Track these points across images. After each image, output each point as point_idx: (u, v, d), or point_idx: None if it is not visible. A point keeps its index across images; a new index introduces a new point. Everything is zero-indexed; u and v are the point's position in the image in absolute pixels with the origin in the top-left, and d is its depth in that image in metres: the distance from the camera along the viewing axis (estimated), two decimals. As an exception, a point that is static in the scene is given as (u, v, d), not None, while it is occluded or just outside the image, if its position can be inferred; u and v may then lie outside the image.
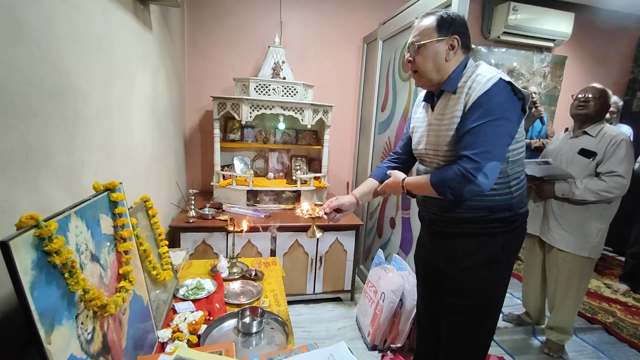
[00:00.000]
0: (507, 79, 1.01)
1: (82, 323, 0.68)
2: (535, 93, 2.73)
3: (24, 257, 0.56)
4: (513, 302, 2.53)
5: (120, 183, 0.94)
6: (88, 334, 0.70)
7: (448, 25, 1.07)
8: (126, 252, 0.90)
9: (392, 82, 2.29)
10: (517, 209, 1.13)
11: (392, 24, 2.24)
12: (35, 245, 0.59)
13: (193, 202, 2.10)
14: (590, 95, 1.80)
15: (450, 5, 1.59)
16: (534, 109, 2.50)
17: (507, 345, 2.04)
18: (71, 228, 0.70)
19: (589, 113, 1.80)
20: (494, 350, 1.99)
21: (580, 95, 1.85)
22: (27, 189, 0.78)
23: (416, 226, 1.94)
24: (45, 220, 0.61)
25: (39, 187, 0.82)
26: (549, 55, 3.32)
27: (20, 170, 0.76)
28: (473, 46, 3.10)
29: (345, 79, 2.95)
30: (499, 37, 3.04)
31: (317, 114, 2.40)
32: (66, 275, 0.64)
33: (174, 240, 2.02)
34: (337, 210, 1.32)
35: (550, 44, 3.22)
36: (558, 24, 3.06)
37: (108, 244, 0.85)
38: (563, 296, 1.89)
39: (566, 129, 1.98)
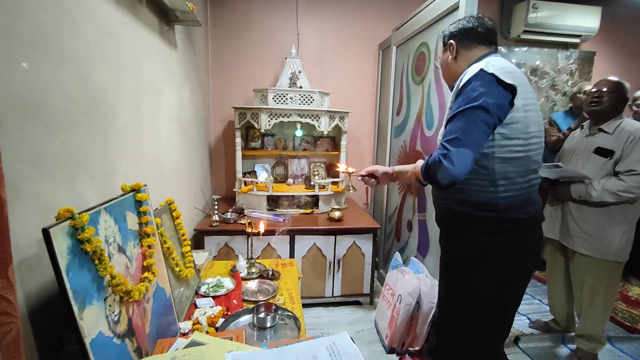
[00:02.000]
0: (492, 70, 1.00)
1: (109, 305, 0.78)
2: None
3: (61, 243, 0.66)
4: (542, 309, 2.42)
5: (145, 185, 1.06)
6: (115, 316, 0.79)
7: (445, 37, 1.23)
8: (149, 247, 1.00)
9: (406, 86, 2.32)
10: (504, 211, 1.07)
11: (404, 30, 2.28)
12: (70, 233, 0.69)
13: (217, 207, 2.23)
14: (604, 90, 1.71)
15: (457, 8, 1.62)
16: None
17: (533, 352, 1.96)
18: (101, 222, 0.80)
19: (603, 109, 1.70)
20: (518, 357, 1.92)
21: (593, 90, 1.76)
22: (67, 189, 0.90)
23: (432, 229, 1.94)
24: (79, 214, 0.71)
25: (76, 188, 0.94)
26: (576, 51, 3.20)
27: (62, 173, 0.88)
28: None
29: (362, 85, 3.01)
30: (519, 36, 2.99)
31: (333, 120, 2.46)
32: (96, 262, 0.74)
33: (198, 243, 2.15)
34: (372, 175, 1.38)
35: (576, 40, 3.11)
36: (583, 19, 2.95)
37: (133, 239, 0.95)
38: (590, 303, 1.79)
39: (582, 127, 1.90)
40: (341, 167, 1.63)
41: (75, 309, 0.66)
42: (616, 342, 2.08)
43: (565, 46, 3.18)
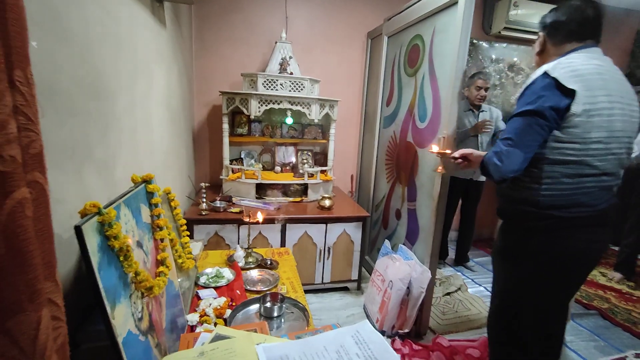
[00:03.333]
0: (556, 73, 1.01)
1: (134, 302, 0.75)
2: None
3: (92, 240, 0.62)
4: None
5: (154, 176, 1.00)
6: (139, 312, 0.76)
7: (539, 25, 1.20)
8: (162, 240, 0.97)
9: (398, 78, 2.35)
10: (545, 208, 1.08)
11: (397, 20, 2.29)
12: (98, 230, 0.65)
13: (205, 195, 2.16)
14: None
15: (456, 3, 1.65)
16: None
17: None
18: (121, 216, 0.76)
19: None
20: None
21: None
22: (74, 181, 0.84)
23: (423, 217, 2.02)
24: (105, 208, 0.67)
25: (83, 178, 0.88)
26: (549, 50, 3.38)
27: (69, 163, 0.82)
28: (475, 41, 3.16)
29: (350, 74, 3.00)
30: (499, 32, 3.10)
31: (323, 109, 2.45)
32: (121, 258, 0.71)
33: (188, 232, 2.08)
34: (465, 158, 1.39)
35: (550, 39, 3.28)
36: (558, 19, 3.12)
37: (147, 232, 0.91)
38: None
39: None
40: (434, 147, 1.64)
41: (108, 308, 0.63)
42: (576, 318, 2.32)
43: (539, 44, 3.34)
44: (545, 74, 1.03)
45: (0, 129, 0.36)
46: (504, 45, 3.25)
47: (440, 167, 1.70)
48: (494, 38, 3.25)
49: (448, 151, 1.58)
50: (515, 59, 3.31)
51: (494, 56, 3.24)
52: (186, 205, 2.25)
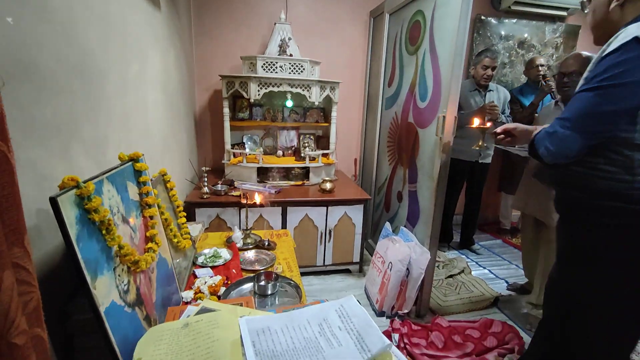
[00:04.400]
0: None
1: (119, 275, 0.77)
2: (542, 65, 2.68)
3: (69, 212, 0.63)
4: (518, 273, 2.59)
5: (142, 154, 1.01)
6: (124, 285, 0.78)
7: None
8: (151, 217, 0.98)
9: (399, 56, 2.29)
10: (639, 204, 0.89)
11: (398, -4, 2.21)
12: (77, 203, 0.66)
13: (206, 179, 2.19)
14: (573, 71, 1.58)
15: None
16: (543, 83, 2.46)
17: (510, 312, 2.13)
18: (104, 191, 0.77)
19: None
20: (497, 317, 2.07)
21: (562, 71, 1.63)
22: (62, 159, 0.86)
23: (424, 199, 1.99)
24: (84, 182, 0.68)
25: (71, 157, 0.90)
26: (562, 25, 3.23)
27: (55, 141, 0.83)
28: (483, 18, 3.03)
29: (351, 55, 2.94)
30: (509, 7, 2.96)
31: (324, 91, 2.42)
32: (103, 232, 0.72)
33: (189, 215, 2.12)
34: (508, 134, 1.29)
35: (564, 13, 3.12)
36: (571, -8, 2.96)
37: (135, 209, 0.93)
38: None
39: (556, 102, 1.83)
40: (475, 121, 1.57)
41: (88, 278, 0.65)
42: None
43: (552, 19, 3.19)
44: (636, 40, 0.80)
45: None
46: (514, 21, 3.11)
47: (480, 142, 1.59)
48: (504, 14, 3.11)
49: (489, 124, 1.51)
50: (526, 36, 3.17)
51: (503, 33, 3.11)
52: (188, 189, 2.28)
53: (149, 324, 0.86)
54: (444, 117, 1.69)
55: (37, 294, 0.51)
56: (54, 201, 0.60)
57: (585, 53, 1.64)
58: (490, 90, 2.60)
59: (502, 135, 1.30)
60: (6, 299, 0.42)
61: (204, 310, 0.85)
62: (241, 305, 0.89)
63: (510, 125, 1.28)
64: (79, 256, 0.63)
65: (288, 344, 0.75)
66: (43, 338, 0.52)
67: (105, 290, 0.70)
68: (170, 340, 0.75)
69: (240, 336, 0.75)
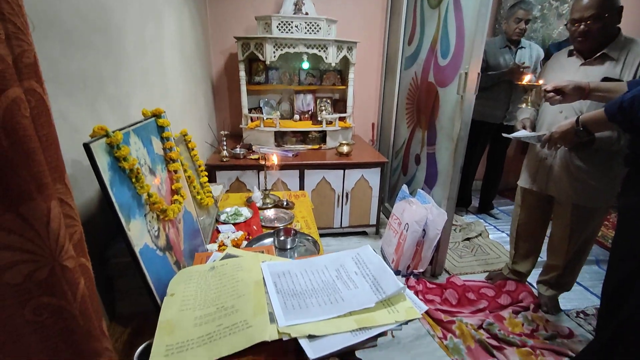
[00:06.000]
0: None
1: (149, 221, 0.82)
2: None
3: (102, 159, 0.68)
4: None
5: (164, 111, 1.04)
6: (155, 231, 0.84)
7: None
8: (175, 172, 1.03)
9: (420, 11, 2.17)
10: None
11: (421, -56, 2.06)
12: (107, 151, 0.70)
13: (225, 142, 2.23)
14: (588, 16, 1.33)
15: None
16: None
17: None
18: (131, 143, 0.81)
19: (594, 43, 1.37)
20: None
21: (575, 18, 1.38)
22: (89, 113, 0.90)
23: (442, 160, 1.97)
24: (113, 132, 0.72)
25: (97, 112, 0.94)
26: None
27: (82, 95, 0.87)
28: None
29: (369, 12, 2.80)
30: (544, -48, 2.70)
31: (341, 51, 2.35)
32: (133, 179, 0.77)
33: (210, 178, 2.17)
34: (558, 92, 1.25)
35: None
36: None
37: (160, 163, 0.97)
38: (581, 253, 1.71)
39: (570, 52, 1.52)
40: (527, 78, 1.48)
41: (123, 220, 0.70)
42: (603, 264, 2.26)
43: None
44: None
45: (-15, 28, 0.38)
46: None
47: (528, 98, 1.49)
48: (538, -39, 2.84)
49: (541, 81, 1.41)
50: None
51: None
52: (208, 153, 2.34)
53: (178, 267, 0.93)
54: (466, 73, 1.62)
55: (80, 228, 0.56)
56: (87, 147, 0.64)
57: None
58: (521, 47, 2.44)
59: (552, 94, 1.24)
60: (55, 226, 0.47)
61: (228, 256, 0.91)
62: (262, 252, 0.94)
63: (562, 82, 1.21)
64: (114, 199, 0.68)
65: (307, 284, 0.80)
66: (88, 267, 0.57)
67: (139, 232, 0.76)
68: (199, 280, 0.81)
69: (263, 277, 0.80)
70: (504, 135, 1.64)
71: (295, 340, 0.64)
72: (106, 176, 0.67)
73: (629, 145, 1.15)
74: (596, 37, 1.37)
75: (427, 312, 1.78)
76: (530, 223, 1.83)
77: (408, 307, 0.73)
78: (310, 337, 0.64)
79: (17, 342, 0.49)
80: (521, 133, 1.53)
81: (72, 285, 0.50)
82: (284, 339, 0.64)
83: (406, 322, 0.70)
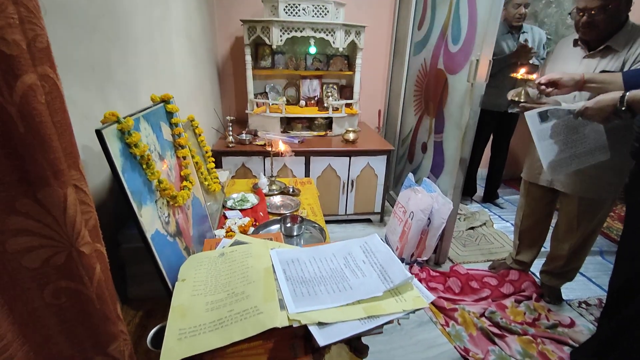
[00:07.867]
0: None
1: (160, 208, 0.83)
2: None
3: (113, 145, 0.68)
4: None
5: (173, 97, 1.04)
6: (165, 217, 0.85)
7: None
8: (184, 158, 1.03)
9: (432, -5, 2.11)
10: None
11: None
12: (119, 137, 0.70)
13: (231, 128, 2.22)
14: (592, 6, 1.28)
15: None
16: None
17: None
18: (141, 129, 0.81)
19: (600, 32, 1.32)
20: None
21: (580, 7, 1.33)
22: (98, 98, 0.89)
23: (449, 148, 1.95)
24: (124, 118, 0.72)
25: (106, 98, 0.93)
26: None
27: (91, 81, 0.86)
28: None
29: (379, -5, 2.73)
30: None
31: (348, 36, 2.30)
32: (144, 166, 0.77)
33: (216, 163, 2.18)
34: (553, 84, 1.21)
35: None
36: None
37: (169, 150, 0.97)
38: (585, 244, 1.70)
39: (575, 42, 1.46)
40: (521, 70, 1.40)
41: (135, 207, 0.70)
42: (607, 255, 2.27)
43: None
44: None
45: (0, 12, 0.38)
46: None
47: (522, 92, 1.41)
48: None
49: (534, 76, 1.33)
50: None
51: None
52: (214, 139, 2.34)
53: (188, 254, 0.94)
54: (477, 60, 1.59)
55: (94, 214, 0.56)
56: (99, 133, 0.63)
57: None
58: (524, 32, 2.39)
59: (544, 86, 1.20)
60: (72, 212, 0.47)
61: (237, 243, 0.92)
62: (270, 239, 0.95)
63: (555, 74, 1.18)
64: (126, 185, 0.68)
65: (316, 272, 0.81)
66: (103, 253, 0.58)
67: (150, 218, 0.76)
68: (209, 266, 0.82)
69: (272, 264, 0.81)
70: (526, 114, 1.39)
71: (304, 327, 0.65)
72: (118, 163, 0.68)
73: (636, 139, 1.12)
74: (601, 28, 1.32)
75: (430, 300, 1.80)
76: (534, 214, 1.82)
77: (415, 296, 0.74)
78: (320, 324, 0.65)
79: (38, 323, 0.50)
80: (543, 107, 1.37)
81: (88, 270, 0.51)
82: (294, 325, 0.65)
83: (413, 311, 0.71)
